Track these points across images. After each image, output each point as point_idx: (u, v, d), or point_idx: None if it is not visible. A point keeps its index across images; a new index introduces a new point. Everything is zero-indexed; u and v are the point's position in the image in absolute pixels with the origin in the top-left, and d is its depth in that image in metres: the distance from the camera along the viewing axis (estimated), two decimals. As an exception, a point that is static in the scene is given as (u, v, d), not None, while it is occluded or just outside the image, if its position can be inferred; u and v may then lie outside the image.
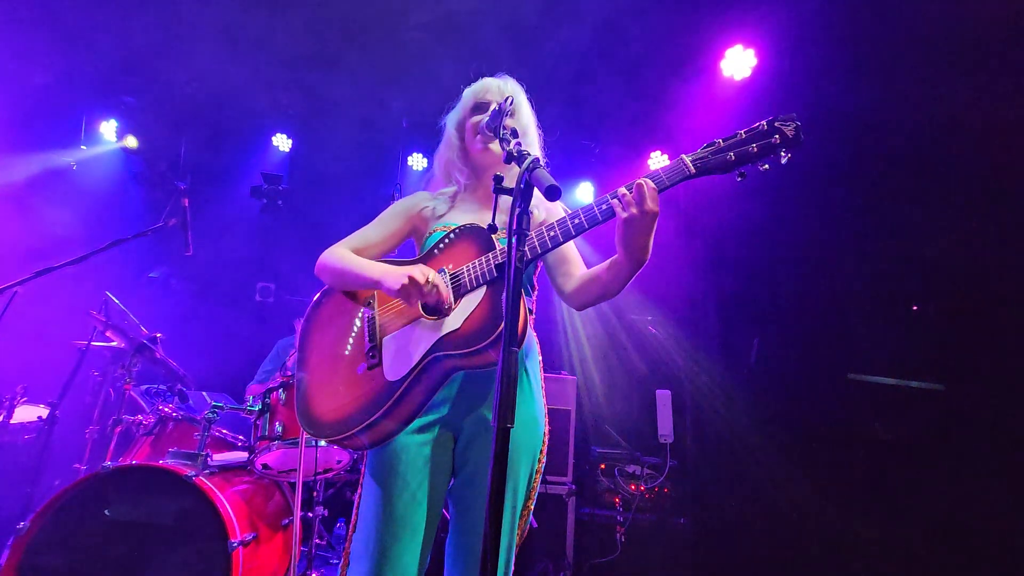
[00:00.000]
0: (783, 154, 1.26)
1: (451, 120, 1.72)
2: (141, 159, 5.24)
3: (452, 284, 1.41)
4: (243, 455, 2.75)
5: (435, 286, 1.36)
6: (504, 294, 1.04)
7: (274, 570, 2.47)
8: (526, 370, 1.51)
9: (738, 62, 3.83)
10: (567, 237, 1.34)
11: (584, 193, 5.20)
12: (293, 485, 2.54)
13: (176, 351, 3.44)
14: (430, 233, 1.60)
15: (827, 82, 3.47)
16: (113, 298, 3.18)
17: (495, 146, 1.57)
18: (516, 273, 1.02)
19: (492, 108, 1.38)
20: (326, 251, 1.60)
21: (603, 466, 3.72)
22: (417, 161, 5.34)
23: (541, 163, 1.12)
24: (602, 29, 3.84)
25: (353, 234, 1.65)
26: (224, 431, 2.93)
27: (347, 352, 1.49)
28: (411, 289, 1.34)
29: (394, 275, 1.38)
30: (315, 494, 2.87)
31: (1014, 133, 2.69)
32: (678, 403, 3.90)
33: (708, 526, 3.71)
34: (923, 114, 3.08)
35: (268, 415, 2.58)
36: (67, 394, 3.19)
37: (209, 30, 4.11)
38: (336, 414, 1.41)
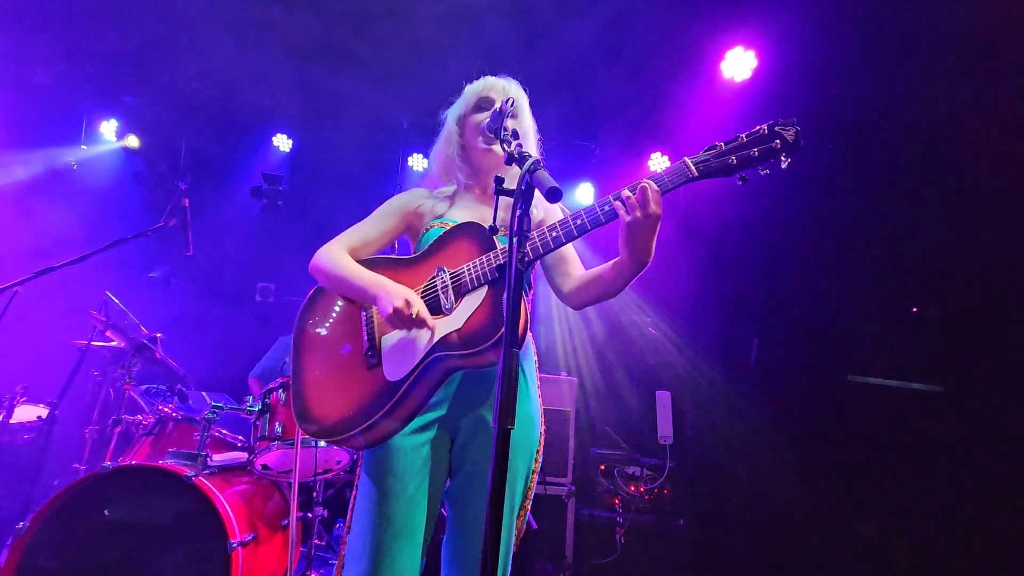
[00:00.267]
0: (783, 159, 1.27)
1: (452, 114, 1.70)
2: (141, 159, 5.25)
3: (453, 283, 1.41)
4: (243, 455, 2.75)
5: (423, 320, 1.36)
6: (505, 295, 1.04)
7: (274, 570, 2.46)
8: (523, 370, 1.51)
9: (738, 64, 3.84)
10: (569, 238, 1.34)
11: (584, 194, 5.21)
12: (293, 485, 2.54)
13: (176, 351, 3.44)
14: (427, 229, 1.60)
15: (827, 84, 3.47)
16: (113, 298, 3.19)
17: (497, 148, 1.56)
18: (517, 274, 1.02)
19: (494, 109, 1.38)
20: (321, 250, 1.58)
21: (603, 467, 3.72)
22: (417, 162, 5.34)
23: (541, 165, 1.12)
24: (603, 30, 3.85)
25: (349, 230, 1.63)
26: (224, 431, 2.93)
27: (345, 352, 1.49)
28: (396, 320, 1.35)
29: (385, 299, 1.38)
30: (314, 494, 2.86)
31: (1014, 133, 2.70)
32: (678, 404, 3.90)
33: (708, 527, 3.71)
34: (923, 115, 3.08)
35: (268, 415, 2.58)
36: (67, 394, 3.18)
37: (210, 30, 4.12)
38: (336, 414, 1.40)
